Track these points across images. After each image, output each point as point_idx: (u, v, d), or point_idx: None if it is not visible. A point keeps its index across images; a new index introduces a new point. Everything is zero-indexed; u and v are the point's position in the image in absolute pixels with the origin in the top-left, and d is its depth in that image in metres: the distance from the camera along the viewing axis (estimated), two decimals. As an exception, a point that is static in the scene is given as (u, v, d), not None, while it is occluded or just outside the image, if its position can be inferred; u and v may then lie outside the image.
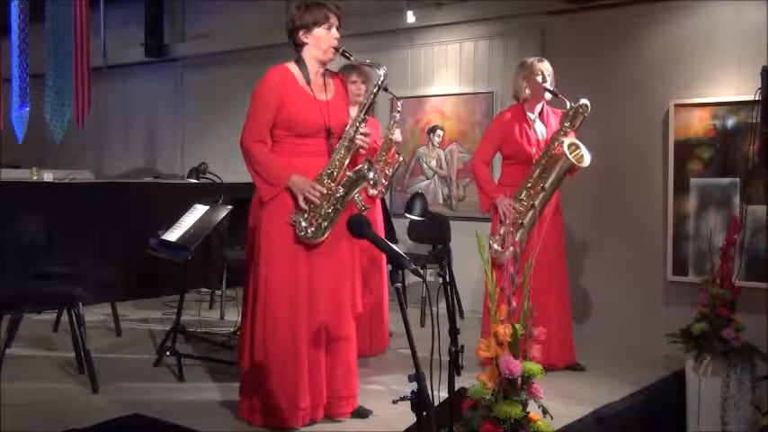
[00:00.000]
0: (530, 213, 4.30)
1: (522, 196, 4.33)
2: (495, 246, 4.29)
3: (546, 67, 4.43)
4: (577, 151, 4.24)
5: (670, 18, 5.43)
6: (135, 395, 3.90)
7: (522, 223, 4.31)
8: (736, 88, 5.08)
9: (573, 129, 4.31)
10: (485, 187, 4.49)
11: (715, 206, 5.20)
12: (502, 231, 4.31)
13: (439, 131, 6.70)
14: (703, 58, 5.28)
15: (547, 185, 4.30)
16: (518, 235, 4.29)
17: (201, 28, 8.53)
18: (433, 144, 6.74)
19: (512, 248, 4.10)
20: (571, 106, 4.28)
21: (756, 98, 4.79)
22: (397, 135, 4.85)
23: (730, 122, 5.15)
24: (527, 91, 4.44)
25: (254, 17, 7.83)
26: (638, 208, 5.52)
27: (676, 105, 5.34)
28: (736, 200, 5.10)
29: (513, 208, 4.30)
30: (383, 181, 4.78)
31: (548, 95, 4.43)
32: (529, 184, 4.32)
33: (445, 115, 6.67)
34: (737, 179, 5.10)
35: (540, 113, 4.52)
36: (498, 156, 4.61)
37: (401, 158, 4.93)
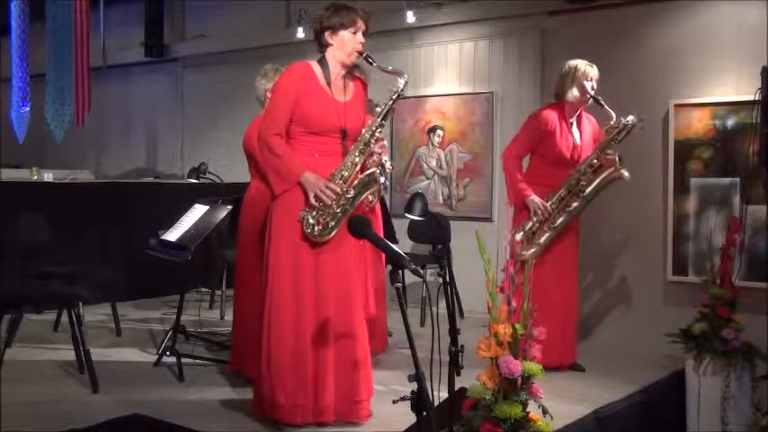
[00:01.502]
0: (562, 218, 4.33)
1: (555, 200, 4.35)
2: (518, 237, 4.30)
3: (595, 73, 4.43)
4: (621, 167, 4.33)
5: (670, 18, 5.43)
6: (135, 395, 3.89)
7: (554, 226, 4.33)
8: (736, 88, 5.08)
9: (616, 142, 4.35)
10: (516, 184, 4.46)
11: (715, 206, 5.20)
12: (527, 228, 4.33)
13: (439, 131, 6.70)
14: (703, 58, 5.27)
15: (587, 192, 4.34)
16: (545, 236, 4.33)
17: (201, 28, 8.53)
18: (433, 144, 6.74)
19: (533, 249, 4.19)
20: (619, 121, 4.31)
21: (756, 98, 4.78)
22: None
23: (730, 122, 5.15)
24: (575, 94, 4.42)
25: (253, 17, 7.83)
26: (638, 208, 5.52)
27: (676, 105, 5.34)
28: (736, 200, 5.10)
29: (546, 209, 4.33)
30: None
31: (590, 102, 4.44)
32: (564, 190, 4.35)
33: (445, 115, 6.67)
34: (737, 179, 5.10)
35: (578, 118, 4.52)
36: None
37: (390, 166, 4.88)
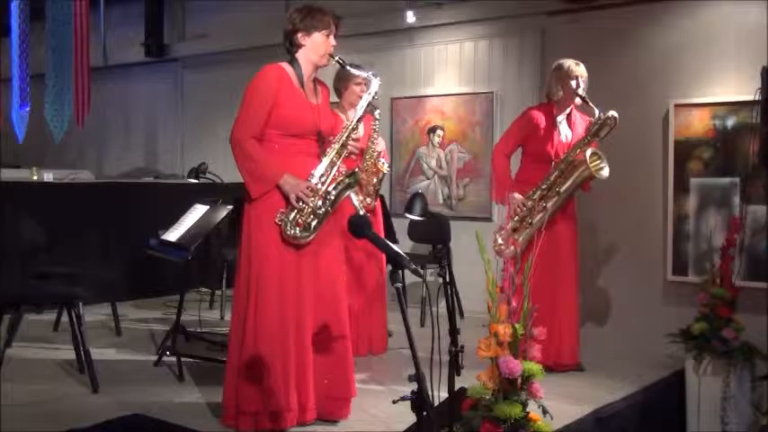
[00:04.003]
0: (539, 215, 4.31)
1: (536, 196, 4.33)
2: (500, 240, 4.29)
3: (582, 71, 4.40)
4: (598, 162, 4.26)
5: (670, 18, 5.44)
6: (135, 395, 3.90)
7: (530, 223, 4.32)
8: (736, 88, 5.09)
9: (597, 139, 4.31)
10: (501, 180, 4.49)
11: (715, 206, 5.20)
12: (509, 227, 4.32)
13: (439, 131, 6.70)
14: (703, 58, 5.28)
15: (561, 190, 4.30)
16: (523, 234, 4.30)
17: (201, 28, 8.54)
18: (433, 144, 6.74)
19: (512, 248, 4.14)
20: (599, 116, 4.27)
21: (756, 98, 4.79)
22: (380, 145, 4.82)
23: (730, 122, 5.15)
24: (560, 93, 4.42)
25: (254, 17, 7.83)
26: (638, 208, 5.52)
27: (676, 105, 5.34)
28: (736, 200, 5.10)
29: (525, 206, 4.31)
30: (370, 192, 4.75)
31: (578, 100, 4.41)
32: (544, 186, 4.32)
33: (445, 115, 6.67)
34: (737, 179, 5.11)
35: (569, 116, 4.51)
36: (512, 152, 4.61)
37: (387, 168, 4.89)
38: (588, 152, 4.23)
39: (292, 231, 3.32)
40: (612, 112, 4.26)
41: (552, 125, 4.44)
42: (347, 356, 3.51)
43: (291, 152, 3.40)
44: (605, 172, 4.26)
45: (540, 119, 4.44)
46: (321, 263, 3.43)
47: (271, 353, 3.32)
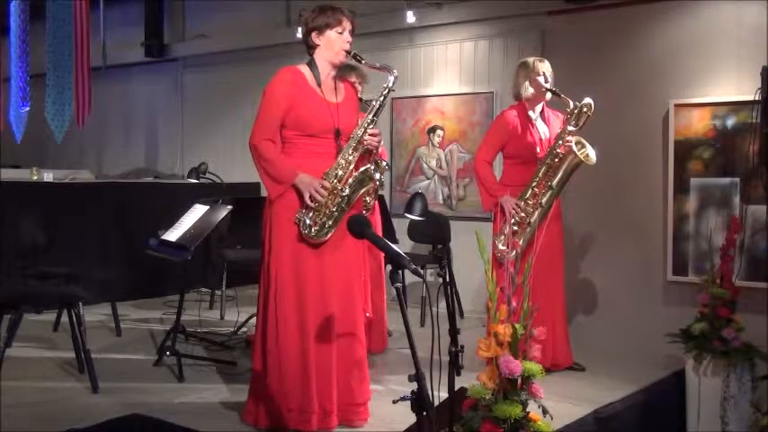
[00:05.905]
0: (537, 212, 4.30)
1: (528, 195, 4.32)
2: (500, 245, 4.27)
3: (547, 67, 4.42)
4: (584, 149, 4.26)
5: (670, 18, 5.44)
6: (135, 395, 3.90)
7: (529, 222, 4.30)
8: (736, 88, 5.08)
9: (577, 128, 4.31)
10: (488, 186, 4.47)
11: (715, 206, 5.20)
12: (507, 231, 4.30)
13: (439, 131, 6.70)
14: (703, 58, 5.28)
15: (554, 184, 4.30)
16: (525, 234, 4.29)
17: (201, 28, 8.54)
18: (433, 144, 6.74)
19: (514, 252, 4.13)
20: (575, 105, 4.27)
21: (756, 98, 4.79)
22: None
23: (730, 122, 5.15)
24: (529, 90, 4.42)
25: (254, 17, 7.84)
26: (638, 208, 5.52)
27: (676, 105, 5.34)
28: (737, 200, 5.10)
29: (520, 207, 4.30)
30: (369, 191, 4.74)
31: (548, 95, 4.42)
32: (534, 184, 4.31)
33: (445, 115, 6.67)
34: (737, 179, 5.10)
35: (541, 113, 4.51)
36: (497, 156, 4.60)
37: (386, 166, 4.87)
38: (573, 141, 4.25)
39: (308, 230, 3.33)
40: (587, 99, 4.27)
41: (529, 123, 4.44)
42: (363, 358, 3.49)
43: (309, 152, 3.41)
44: (593, 157, 4.27)
45: (516, 119, 4.44)
46: (340, 261, 3.42)
47: (290, 353, 3.32)
